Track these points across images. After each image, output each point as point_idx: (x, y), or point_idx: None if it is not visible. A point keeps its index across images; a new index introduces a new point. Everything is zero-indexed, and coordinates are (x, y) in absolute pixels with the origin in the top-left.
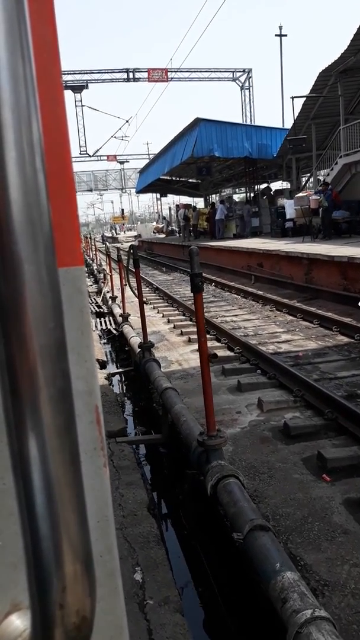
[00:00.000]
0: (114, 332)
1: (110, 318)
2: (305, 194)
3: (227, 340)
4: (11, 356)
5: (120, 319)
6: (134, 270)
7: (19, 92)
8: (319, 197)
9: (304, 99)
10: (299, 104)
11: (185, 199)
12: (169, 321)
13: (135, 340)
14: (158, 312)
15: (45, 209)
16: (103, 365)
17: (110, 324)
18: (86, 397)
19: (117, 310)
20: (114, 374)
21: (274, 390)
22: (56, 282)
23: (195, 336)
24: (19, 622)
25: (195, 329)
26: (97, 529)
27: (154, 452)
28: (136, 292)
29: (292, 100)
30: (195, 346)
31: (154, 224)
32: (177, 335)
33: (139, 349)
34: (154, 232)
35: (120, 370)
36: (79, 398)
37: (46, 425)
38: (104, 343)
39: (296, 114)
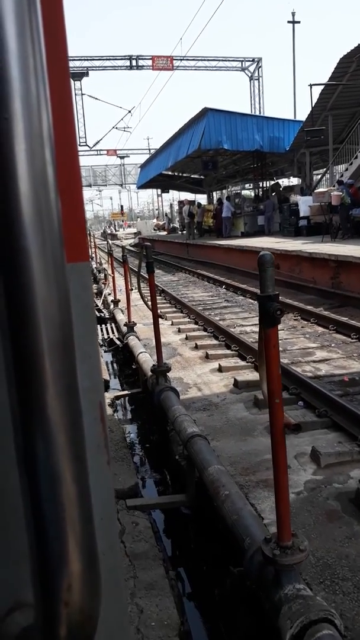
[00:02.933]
0: (117, 342)
1: (113, 325)
2: (326, 190)
3: (253, 357)
4: (19, 352)
5: (124, 328)
6: (147, 276)
7: (29, 83)
8: (341, 193)
9: (321, 88)
10: (316, 93)
11: (187, 196)
12: (179, 331)
13: (145, 358)
14: (166, 319)
15: (55, 203)
16: (106, 385)
17: (113, 333)
18: (90, 394)
19: (121, 317)
20: (119, 397)
21: (327, 432)
22: (64, 278)
23: (214, 352)
24: (22, 619)
25: (211, 342)
26: (100, 527)
27: (173, 513)
28: (149, 302)
29: (310, 88)
30: (216, 365)
31: (155, 220)
32: (191, 349)
33: (152, 373)
34: (154, 230)
35: (126, 392)
36: (83, 395)
37: (53, 422)
38: (105, 351)
39: (313, 103)
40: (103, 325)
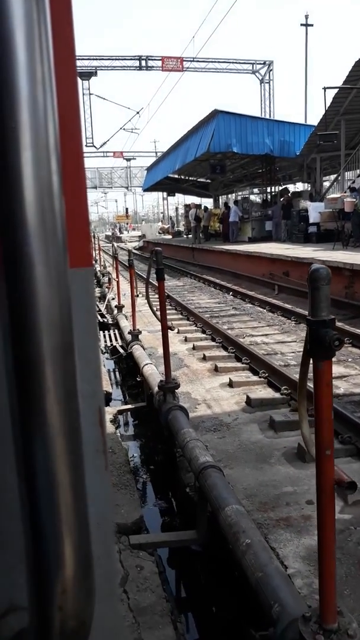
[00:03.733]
0: (121, 350)
1: (116, 331)
2: (339, 195)
3: (266, 372)
4: (21, 357)
5: (129, 336)
6: (156, 283)
7: (37, 92)
8: (354, 200)
9: (335, 91)
10: (329, 97)
11: (193, 199)
12: (186, 340)
13: (151, 370)
14: (174, 329)
15: (59, 211)
16: (108, 397)
17: (116, 339)
18: (89, 398)
19: (124, 323)
20: (122, 412)
21: (352, 461)
22: (66, 283)
23: (224, 364)
24: (16, 622)
25: (219, 353)
26: (97, 532)
27: (182, 548)
28: (158, 311)
29: (324, 91)
30: (226, 379)
31: (159, 224)
32: (199, 360)
33: (159, 389)
34: (159, 233)
35: (130, 406)
36: (83, 400)
37: (52, 427)
38: (107, 359)
39: (327, 107)
40: (106, 332)
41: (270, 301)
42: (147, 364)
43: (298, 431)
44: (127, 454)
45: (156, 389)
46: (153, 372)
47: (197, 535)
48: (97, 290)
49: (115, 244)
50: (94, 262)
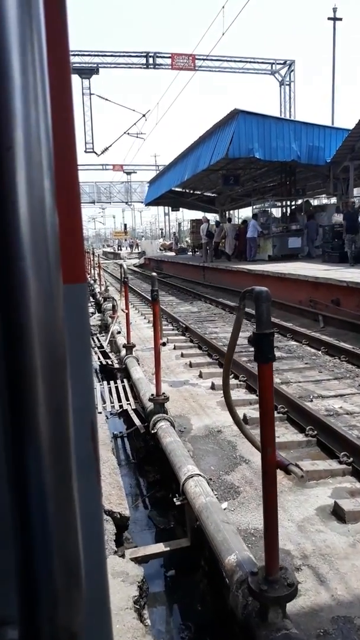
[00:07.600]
0: (136, 421)
1: (125, 382)
2: None
3: None
4: (13, 370)
5: (149, 404)
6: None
7: (31, 113)
8: None
9: None
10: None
11: (197, 214)
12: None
13: (203, 499)
14: (200, 377)
15: (53, 228)
16: (122, 524)
17: (127, 400)
18: (82, 412)
19: (138, 375)
20: (148, 558)
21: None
22: (60, 299)
23: (311, 465)
24: (5, 636)
25: (288, 435)
26: (88, 545)
27: None
28: (257, 440)
29: None
30: (323, 497)
31: (161, 240)
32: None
33: (249, 592)
34: (160, 249)
35: (163, 548)
36: (75, 414)
37: (43, 440)
38: (120, 434)
39: None
40: (113, 383)
41: (322, 339)
42: (191, 477)
43: None
44: None
45: (237, 574)
46: (209, 504)
47: None
48: (98, 316)
49: (125, 265)
50: (92, 280)
